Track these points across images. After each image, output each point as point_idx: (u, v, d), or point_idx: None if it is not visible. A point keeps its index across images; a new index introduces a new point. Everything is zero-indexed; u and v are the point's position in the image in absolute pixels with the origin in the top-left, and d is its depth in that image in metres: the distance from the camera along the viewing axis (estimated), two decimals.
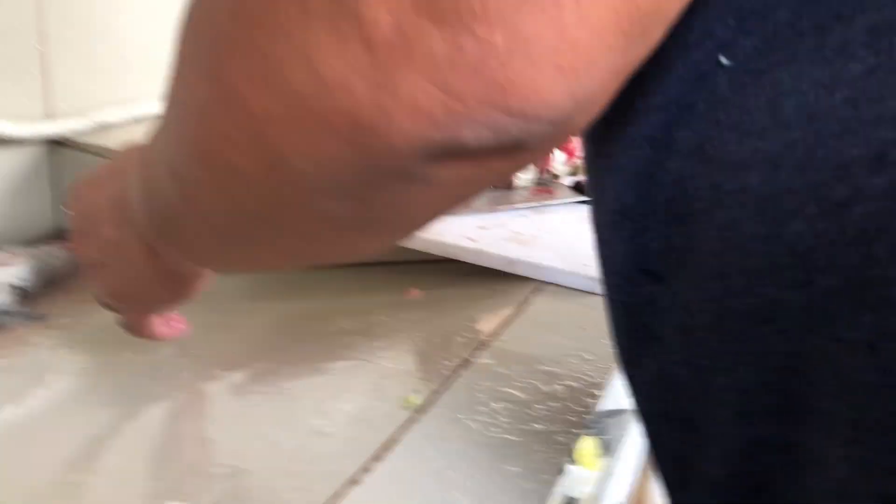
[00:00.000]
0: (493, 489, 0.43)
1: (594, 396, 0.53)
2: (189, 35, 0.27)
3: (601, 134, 0.29)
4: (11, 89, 0.74)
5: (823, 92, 0.22)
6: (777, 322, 0.25)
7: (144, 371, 0.58)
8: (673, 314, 0.28)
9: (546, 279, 0.67)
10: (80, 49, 0.80)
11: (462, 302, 0.66)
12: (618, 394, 0.55)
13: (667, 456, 0.33)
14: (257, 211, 0.27)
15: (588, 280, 0.66)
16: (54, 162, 0.80)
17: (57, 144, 0.79)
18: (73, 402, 0.56)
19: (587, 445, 0.52)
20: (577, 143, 0.83)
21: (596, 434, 0.54)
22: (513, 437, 0.48)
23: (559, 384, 0.54)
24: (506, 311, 0.64)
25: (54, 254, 0.74)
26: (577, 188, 0.81)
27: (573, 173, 0.85)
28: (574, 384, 0.55)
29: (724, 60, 0.24)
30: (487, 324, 0.61)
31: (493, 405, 0.51)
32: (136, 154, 0.39)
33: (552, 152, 0.80)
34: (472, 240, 0.67)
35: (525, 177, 0.82)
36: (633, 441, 0.62)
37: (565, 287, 0.67)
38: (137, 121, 0.85)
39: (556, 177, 0.84)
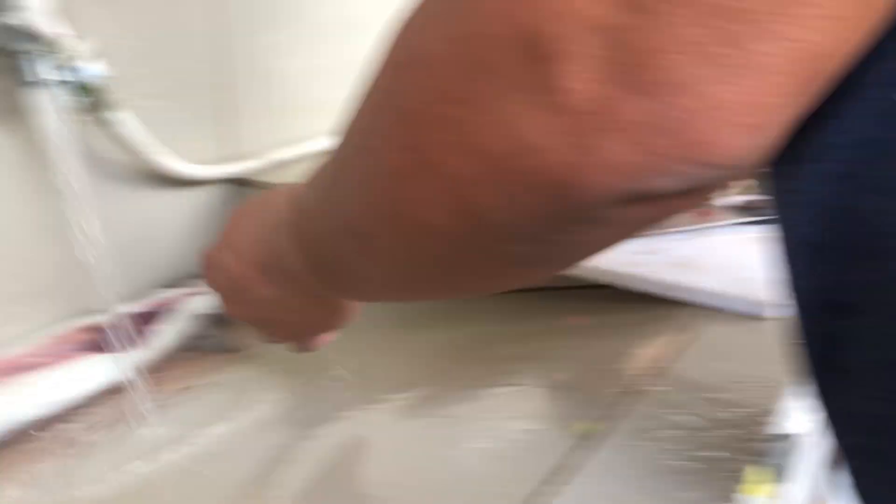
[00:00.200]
0: None
1: (765, 422, 0.52)
2: (371, 111, 0.30)
3: (785, 169, 0.29)
4: (195, 133, 0.81)
5: None
6: None
7: (321, 396, 0.62)
8: (866, 349, 0.28)
9: (710, 304, 0.66)
10: (260, 94, 0.87)
11: (623, 328, 0.66)
12: (789, 419, 0.54)
13: (868, 489, 0.33)
14: (441, 260, 0.30)
15: (753, 304, 0.64)
16: (234, 199, 0.86)
17: (236, 183, 0.86)
18: (257, 425, 0.60)
19: (760, 472, 0.51)
20: None
21: (768, 461, 0.53)
22: (685, 464, 0.48)
23: (729, 410, 0.53)
24: (670, 338, 0.63)
25: None
26: (743, 208, 0.79)
27: (735, 194, 0.83)
28: (744, 410, 0.53)
29: None
30: (652, 350, 0.61)
31: (664, 432, 0.51)
32: (285, 213, 0.42)
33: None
34: (633, 265, 0.67)
35: None
36: (806, 467, 0.60)
37: (730, 312, 0.66)
38: (307, 158, 0.91)
39: (717, 199, 0.82)
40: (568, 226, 0.25)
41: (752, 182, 0.37)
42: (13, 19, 0.56)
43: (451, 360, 0.65)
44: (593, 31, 0.21)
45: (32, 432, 0.58)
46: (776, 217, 0.32)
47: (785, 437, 0.55)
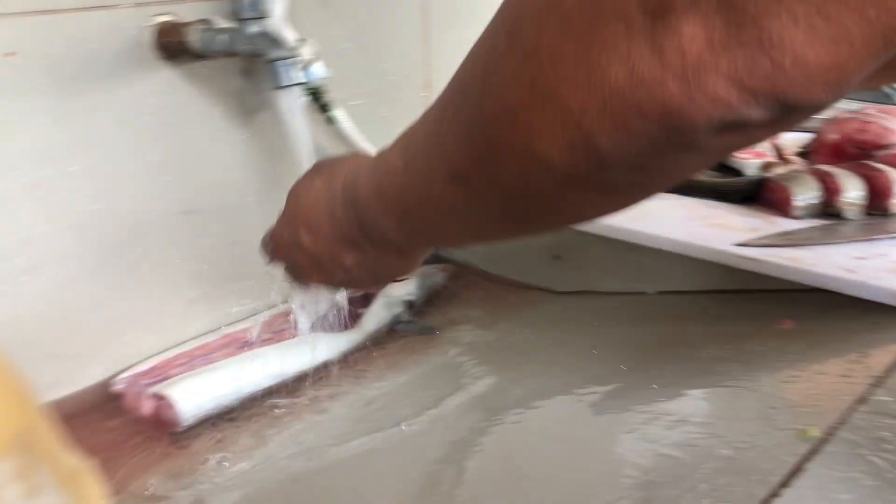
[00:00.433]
0: None
1: None
2: (488, 56, 0.33)
3: None
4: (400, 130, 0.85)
5: None
6: None
7: (515, 382, 0.64)
8: None
9: None
10: None
11: (839, 334, 0.64)
12: None
13: None
14: (546, 194, 0.34)
15: None
16: None
17: None
18: (451, 406, 0.63)
19: None
20: None
21: None
22: None
23: None
24: (888, 345, 0.60)
25: (434, 274, 0.84)
26: None
27: None
28: None
29: None
30: (878, 359, 0.59)
31: (885, 442, 0.49)
32: (363, 182, 0.45)
33: None
34: (850, 271, 0.64)
35: None
36: None
37: None
38: None
39: None
40: (669, 152, 0.29)
41: None
42: (266, 27, 0.61)
43: (658, 356, 0.65)
44: None
45: (258, 402, 0.64)
46: None
47: None
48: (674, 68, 0.27)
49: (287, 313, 0.74)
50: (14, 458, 0.18)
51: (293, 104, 0.64)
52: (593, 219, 0.39)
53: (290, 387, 0.65)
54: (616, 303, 0.75)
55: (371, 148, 0.77)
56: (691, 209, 0.78)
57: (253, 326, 0.72)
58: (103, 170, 0.63)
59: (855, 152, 0.85)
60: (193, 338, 0.70)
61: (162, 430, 0.61)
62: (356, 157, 0.50)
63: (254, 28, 0.61)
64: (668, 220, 0.74)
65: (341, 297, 0.71)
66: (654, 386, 0.59)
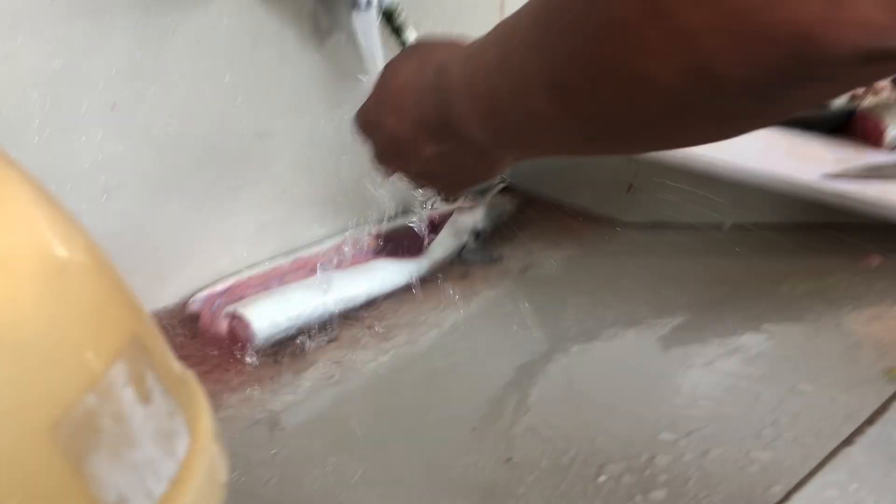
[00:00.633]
0: None
1: None
2: None
3: None
4: None
5: None
6: None
7: (584, 312, 0.63)
8: None
9: None
10: None
11: None
12: None
13: None
14: (651, 114, 0.31)
15: None
16: None
17: None
18: (517, 332, 0.62)
19: None
20: None
21: None
22: None
23: None
24: None
25: (503, 203, 0.83)
26: None
27: None
28: None
29: None
30: None
31: None
32: (454, 71, 0.42)
33: None
34: None
35: None
36: None
37: None
38: None
39: None
40: (798, 82, 0.26)
41: None
42: None
43: (731, 291, 0.63)
44: None
45: (328, 325, 0.65)
46: None
47: None
48: None
49: (358, 239, 0.74)
50: (126, 362, 0.18)
51: (367, 26, 0.63)
52: (694, 145, 0.37)
53: (360, 311, 0.66)
54: (690, 236, 0.73)
55: None
56: (774, 139, 0.75)
57: (324, 251, 0.72)
58: (179, 91, 0.63)
59: None
60: (266, 260, 0.71)
61: (236, 348, 0.63)
62: (453, 43, 0.47)
63: None
64: (748, 149, 0.71)
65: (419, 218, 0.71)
66: (730, 320, 0.58)
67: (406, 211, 0.77)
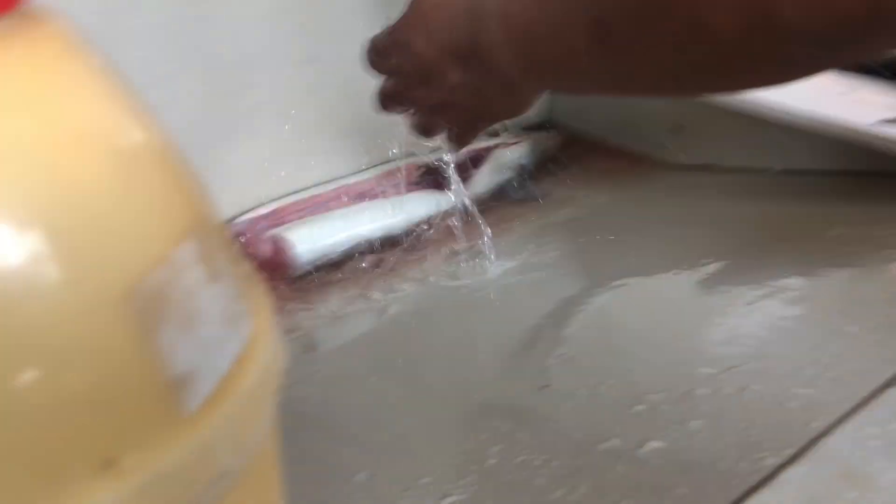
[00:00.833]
0: None
1: None
2: None
3: None
4: None
5: None
6: None
7: (624, 252, 0.63)
8: None
9: None
10: None
11: None
12: None
13: None
14: (700, 61, 0.30)
15: None
16: None
17: None
18: (554, 271, 0.62)
19: None
20: None
21: None
22: None
23: None
24: None
25: (547, 140, 0.82)
26: None
27: None
28: None
29: None
30: None
31: None
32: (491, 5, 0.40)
33: None
34: None
35: None
36: None
37: None
38: None
39: None
40: (871, 32, 0.25)
41: None
42: None
43: (774, 235, 0.62)
44: None
45: (368, 252, 0.65)
46: None
47: None
48: None
49: (400, 169, 0.74)
50: (195, 241, 0.19)
51: None
52: (740, 92, 0.35)
53: (400, 240, 0.67)
54: (737, 179, 0.72)
55: None
56: (828, 82, 0.73)
57: (367, 180, 0.72)
58: (228, 12, 0.63)
59: None
60: (310, 187, 0.72)
61: (278, 272, 0.64)
62: None
63: None
64: (801, 92, 0.69)
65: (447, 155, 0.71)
66: (774, 262, 0.57)
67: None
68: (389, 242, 0.67)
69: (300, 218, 0.67)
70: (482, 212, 0.71)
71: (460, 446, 0.43)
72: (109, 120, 0.19)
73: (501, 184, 0.76)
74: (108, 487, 0.16)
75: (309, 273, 0.63)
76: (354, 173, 0.73)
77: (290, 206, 0.69)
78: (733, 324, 0.52)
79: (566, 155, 0.80)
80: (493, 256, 0.65)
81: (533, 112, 0.87)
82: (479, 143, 0.79)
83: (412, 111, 0.55)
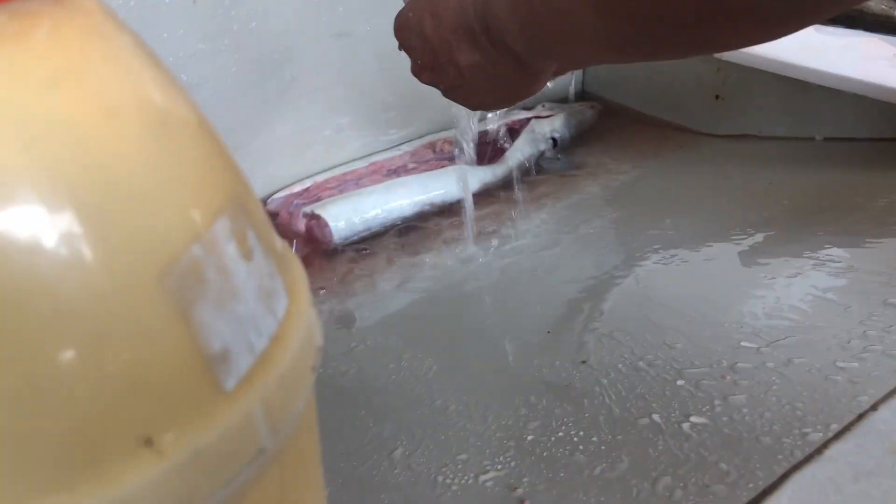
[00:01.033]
0: None
1: None
2: None
3: None
4: None
5: None
6: None
7: (664, 224, 0.62)
8: None
9: None
10: None
11: None
12: None
13: None
14: (684, 12, 0.31)
15: None
16: None
17: None
18: (592, 244, 0.62)
19: None
20: None
21: None
22: None
23: None
24: None
25: (583, 111, 0.81)
26: None
27: None
28: None
29: None
30: None
31: None
32: None
33: None
34: None
35: None
36: None
37: None
38: None
39: None
40: None
41: None
42: None
43: (811, 204, 0.61)
44: None
45: (403, 228, 0.65)
46: None
47: None
48: None
49: (433, 143, 0.74)
50: (229, 218, 0.18)
51: None
52: (736, 47, 0.36)
53: (434, 215, 0.66)
54: (780, 148, 0.70)
55: None
56: (874, 46, 0.70)
57: (400, 155, 0.72)
58: None
59: None
60: (343, 163, 0.71)
61: (314, 247, 0.64)
62: None
63: None
64: (846, 57, 0.68)
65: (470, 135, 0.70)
66: (819, 233, 0.56)
67: (483, 117, 0.75)
68: (424, 218, 0.66)
69: (335, 194, 0.67)
70: (519, 184, 0.71)
71: (498, 422, 0.43)
72: (142, 96, 0.18)
73: (538, 155, 0.75)
74: (148, 465, 0.16)
75: (344, 249, 0.63)
76: (388, 149, 0.73)
77: (325, 182, 0.69)
78: (776, 296, 0.50)
79: (603, 126, 0.79)
80: (528, 230, 0.64)
81: (568, 84, 0.86)
82: (515, 116, 0.78)
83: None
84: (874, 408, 0.38)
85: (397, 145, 0.74)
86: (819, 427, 0.38)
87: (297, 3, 0.65)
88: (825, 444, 0.37)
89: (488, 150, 0.72)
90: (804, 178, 0.66)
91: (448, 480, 0.39)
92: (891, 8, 0.74)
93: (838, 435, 0.37)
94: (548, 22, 0.39)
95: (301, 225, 0.64)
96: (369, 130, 0.72)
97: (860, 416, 0.38)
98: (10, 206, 0.15)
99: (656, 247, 0.59)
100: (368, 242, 0.64)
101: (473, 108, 0.54)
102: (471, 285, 0.58)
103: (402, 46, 0.52)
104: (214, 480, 0.18)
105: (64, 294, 0.16)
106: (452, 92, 0.51)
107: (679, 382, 0.43)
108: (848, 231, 0.55)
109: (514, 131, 0.75)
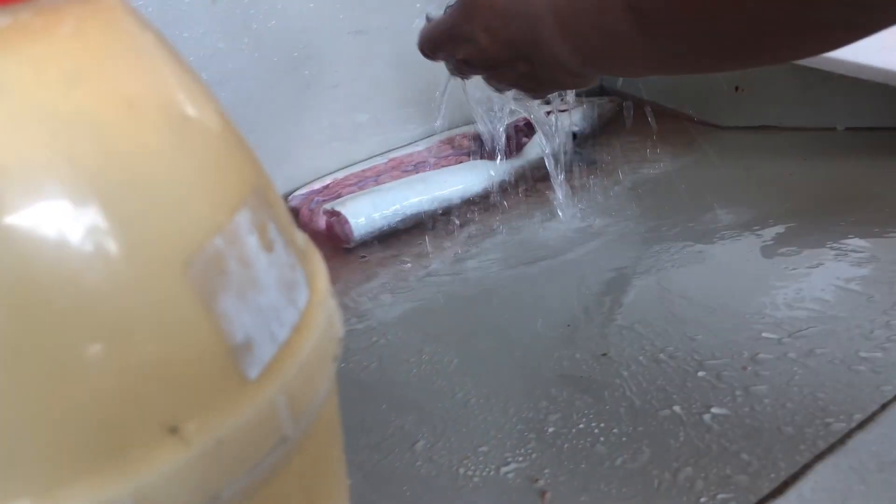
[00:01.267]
0: None
1: None
2: None
3: None
4: None
5: None
6: None
7: (684, 217, 0.61)
8: None
9: None
10: None
11: None
12: None
13: None
14: (731, 34, 0.31)
15: None
16: None
17: None
18: (612, 237, 0.61)
19: None
20: None
21: None
22: None
23: None
24: None
25: (602, 105, 0.81)
26: None
27: None
28: None
29: None
30: None
31: None
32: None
33: None
34: None
35: None
36: None
37: None
38: None
39: None
40: None
41: None
42: None
43: (837, 195, 0.60)
44: None
45: (423, 224, 0.65)
46: None
47: None
48: None
49: (452, 139, 0.74)
50: (250, 210, 0.19)
51: None
52: (777, 63, 0.37)
53: (454, 210, 0.66)
54: (801, 139, 0.70)
55: None
56: (894, 34, 0.69)
57: (420, 151, 0.72)
58: None
59: None
60: (362, 160, 0.72)
61: (334, 244, 0.64)
62: None
63: None
64: (865, 45, 0.66)
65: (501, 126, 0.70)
66: (841, 223, 0.55)
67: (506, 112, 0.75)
68: (443, 213, 0.66)
69: (355, 191, 0.67)
70: (537, 179, 0.71)
71: (519, 414, 0.43)
72: (163, 91, 0.19)
73: (557, 149, 0.75)
74: (173, 452, 0.17)
75: (364, 245, 0.64)
76: (407, 145, 0.73)
77: (345, 179, 0.69)
78: (798, 287, 0.50)
79: (623, 119, 0.79)
80: (547, 224, 0.64)
81: None
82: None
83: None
84: None
85: (416, 141, 0.74)
86: (842, 417, 0.38)
87: (315, 1, 0.65)
88: (848, 434, 0.37)
89: (508, 145, 0.72)
90: (825, 168, 0.65)
91: (470, 472, 0.39)
92: None
93: (861, 424, 0.37)
94: (593, 39, 0.41)
95: (321, 222, 0.64)
96: (388, 127, 0.73)
97: (884, 406, 0.38)
98: (36, 199, 0.16)
99: (676, 239, 0.58)
100: (388, 238, 0.64)
101: (527, 92, 0.55)
102: (490, 283, 0.58)
103: (442, 56, 0.53)
104: (237, 468, 0.18)
105: (90, 285, 0.16)
106: (507, 86, 0.54)
107: (700, 374, 0.43)
108: (870, 221, 0.55)
109: (531, 125, 0.75)
